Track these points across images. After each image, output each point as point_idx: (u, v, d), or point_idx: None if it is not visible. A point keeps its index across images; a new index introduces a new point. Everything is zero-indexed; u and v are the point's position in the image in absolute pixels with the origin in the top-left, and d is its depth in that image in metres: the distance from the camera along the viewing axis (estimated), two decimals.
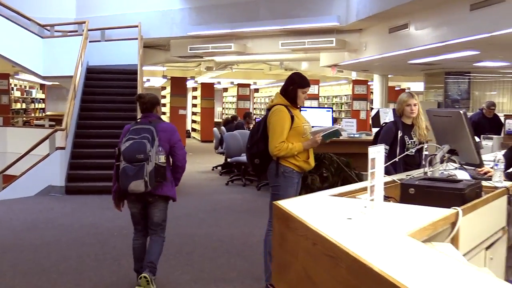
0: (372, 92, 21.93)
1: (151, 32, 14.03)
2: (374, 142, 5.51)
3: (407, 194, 3.29)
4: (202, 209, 8.62)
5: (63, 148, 9.92)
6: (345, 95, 21.66)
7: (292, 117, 4.61)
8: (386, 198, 3.42)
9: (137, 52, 13.10)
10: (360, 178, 9.73)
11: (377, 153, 2.61)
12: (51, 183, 9.74)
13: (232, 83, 26.55)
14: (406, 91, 5.53)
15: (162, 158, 4.51)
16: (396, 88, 24.58)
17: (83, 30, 13.33)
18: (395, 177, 3.93)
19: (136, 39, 13.53)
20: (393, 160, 4.65)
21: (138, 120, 4.82)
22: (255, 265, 5.52)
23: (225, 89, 30.76)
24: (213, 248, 6.24)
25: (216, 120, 27.11)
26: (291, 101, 4.67)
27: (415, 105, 5.28)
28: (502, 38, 8.39)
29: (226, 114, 29.28)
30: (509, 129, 9.64)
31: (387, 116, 9.58)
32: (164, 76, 21.48)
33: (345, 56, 13.11)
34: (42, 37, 13.72)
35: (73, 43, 12.98)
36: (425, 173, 3.86)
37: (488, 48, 10.05)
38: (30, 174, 9.82)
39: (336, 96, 22.63)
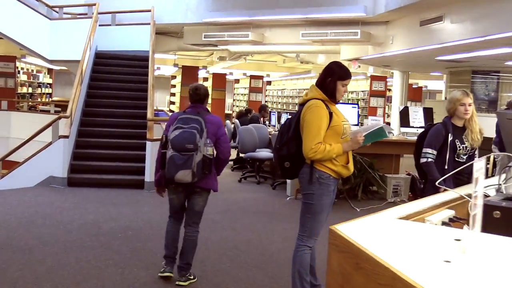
0: (389, 89, 21.27)
1: (164, 17, 13.33)
2: (419, 145, 4.83)
3: (491, 218, 2.59)
4: (214, 209, 7.92)
5: (66, 137, 9.24)
6: (362, 91, 20.90)
7: (331, 114, 3.92)
8: (457, 219, 2.76)
9: (149, 38, 12.40)
10: (384, 181, 9.06)
11: (480, 171, 1.92)
12: (53, 173, 9.07)
13: (244, 74, 25.86)
14: (459, 89, 4.79)
15: (210, 150, 4.52)
16: (413, 86, 23.82)
17: (92, 13, 12.63)
18: (461, 191, 3.23)
19: (149, 24, 12.83)
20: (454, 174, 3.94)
21: (186, 110, 4.77)
22: (277, 281, 4.85)
23: (237, 81, 30.07)
24: (229, 257, 5.55)
25: (226, 112, 26.45)
26: (329, 95, 3.98)
27: (470, 105, 4.59)
28: None
29: (237, 106, 28.60)
30: None
31: (417, 115, 8.88)
32: (175, 65, 20.80)
33: (368, 49, 12.37)
34: (50, 18, 13.03)
35: (82, 26, 12.28)
36: (499, 189, 3.16)
37: None
38: (30, 164, 9.16)
39: (352, 92, 21.87)
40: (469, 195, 2.90)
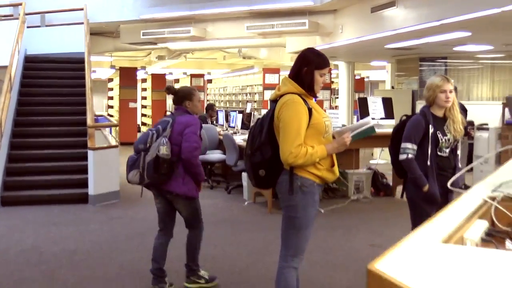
0: (332, 81, 20.97)
1: (98, 15, 12.43)
2: (395, 139, 4.32)
3: None
4: None
5: None
6: None
7: (310, 110, 3.35)
8: (496, 233, 2.23)
9: (83, 39, 11.50)
10: (345, 177, 8.60)
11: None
12: None
13: (184, 73, 25.07)
14: (438, 74, 4.33)
15: (163, 149, 4.26)
16: (356, 77, 23.64)
17: (19, 14, 11.61)
18: (476, 191, 2.71)
19: (82, 23, 11.91)
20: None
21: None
22: None
23: (177, 80, 29.16)
24: None
25: (168, 113, 25.55)
26: (306, 88, 3.41)
27: (451, 91, 4.13)
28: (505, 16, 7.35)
29: None
30: (509, 118, 8.65)
31: (376, 106, 8.45)
32: (112, 67, 19.82)
33: (316, 40, 11.90)
34: None
35: (8, 29, 11.24)
36: None
37: (481, 30, 9.03)
38: None
39: None
40: (492, 198, 2.40)
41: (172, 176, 4.35)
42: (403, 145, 4.11)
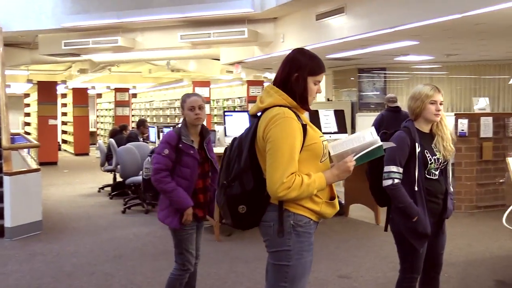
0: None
1: (13, 24, 11.13)
2: (374, 161, 3.55)
3: None
4: (102, 256, 6.28)
5: None
6: (238, 98, 19.82)
7: (305, 128, 2.60)
8: None
9: None
10: None
11: None
12: None
13: (108, 87, 23.76)
14: (426, 83, 3.68)
15: (144, 171, 4.09)
16: None
17: None
18: None
19: None
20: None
21: None
22: None
23: (99, 95, 27.76)
24: None
25: (91, 129, 24.21)
26: (298, 99, 2.66)
27: (441, 103, 3.52)
28: (465, 21, 6.96)
29: (102, 122, 26.35)
30: (462, 130, 8.26)
31: (328, 120, 7.85)
32: (29, 81, 18.33)
33: (254, 51, 11.22)
34: None
35: None
36: None
37: (430, 38, 8.65)
38: None
39: (227, 99, 20.74)
40: None
41: (158, 195, 3.97)
42: (387, 168, 3.41)
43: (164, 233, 7.23)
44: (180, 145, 3.79)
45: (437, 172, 3.48)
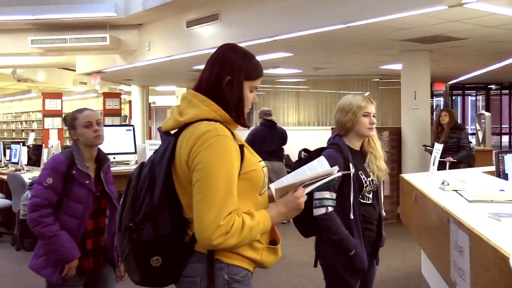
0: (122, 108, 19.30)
1: None
2: None
3: None
4: None
5: None
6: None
7: (242, 150, 1.94)
8: None
9: None
10: None
11: None
12: None
13: None
14: (357, 94, 3.19)
15: (22, 208, 3.15)
16: (152, 105, 22.24)
17: None
18: None
19: None
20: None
21: None
22: None
23: None
24: None
25: None
26: (232, 111, 2.00)
27: (375, 115, 3.07)
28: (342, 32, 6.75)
29: None
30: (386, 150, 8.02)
31: None
32: None
33: (115, 59, 10.30)
34: None
35: None
36: None
37: (304, 50, 8.40)
38: None
39: None
40: None
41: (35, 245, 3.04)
42: (319, 194, 2.85)
43: (17, 270, 6.12)
44: (74, 172, 2.93)
45: (370, 196, 3.01)
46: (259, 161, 2.04)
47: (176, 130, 2.00)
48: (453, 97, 17.72)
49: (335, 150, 2.96)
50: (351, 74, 12.38)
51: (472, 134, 12.93)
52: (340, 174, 2.07)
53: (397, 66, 10.10)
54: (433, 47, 7.97)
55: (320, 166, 2.07)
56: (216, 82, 1.99)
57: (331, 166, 2.09)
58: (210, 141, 1.85)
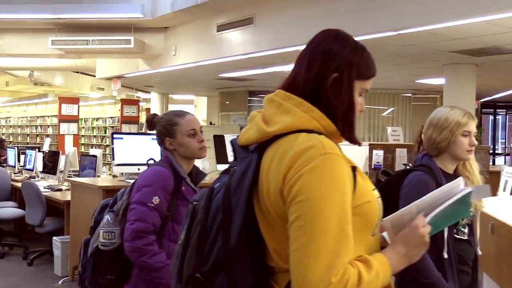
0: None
1: None
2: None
3: None
4: None
5: None
6: (111, 118, 18.08)
7: (354, 173, 1.38)
8: None
9: None
10: None
11: None
12: None
13: None
14: (454, 107, 2.57)
15: (102, 236, 2.37)
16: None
17: None
18: None
19: None
20: None
21: None
22: None
23: None
24: None
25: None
26: (340, 120, 1.44)
27: (475, 135, 2.50)
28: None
29: None
30: (377, 162, 7.49)
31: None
32: None
33: (138, 64, 9.83)
34: None
35: None
36: None
37: None
38: None
39: (97, 119, 18.90)
40: None
41: (124, 280, 2.41)
42: None
43: (35, 282, 5.60)
44: (183, 188, 2.44)
45: (466, 230, 2.43)
46: (373, 189, 1.48)
47: (258, 144, 1.46)
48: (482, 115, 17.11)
49: (426, 173, 2.40)
50: (380, 88, 11.77)
51: (507, 154, 12.31)
52: (471, 189, 1.51)
53: (435, 81, 9.56)
54: (480, 61, 7.42)
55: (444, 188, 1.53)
56: (318, 80, 1.43)
57: (420, 193, 1.55)
58: (315, 161, 1.29)
